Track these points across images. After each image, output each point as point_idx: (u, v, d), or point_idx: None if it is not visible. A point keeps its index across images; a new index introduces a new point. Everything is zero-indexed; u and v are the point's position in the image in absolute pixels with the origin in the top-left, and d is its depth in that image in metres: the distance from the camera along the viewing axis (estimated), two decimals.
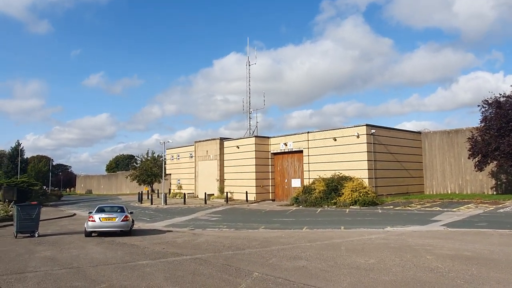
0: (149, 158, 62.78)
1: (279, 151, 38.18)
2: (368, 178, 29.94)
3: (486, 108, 26.75)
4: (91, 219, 16.13)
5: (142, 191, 42.81)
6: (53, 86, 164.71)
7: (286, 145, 37.28)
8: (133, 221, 17.53)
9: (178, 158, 49.41)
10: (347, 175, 30.19)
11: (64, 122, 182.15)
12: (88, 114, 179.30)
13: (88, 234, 16.31)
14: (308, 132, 35.29)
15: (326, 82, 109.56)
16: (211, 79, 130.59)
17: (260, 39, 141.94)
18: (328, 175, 31.14)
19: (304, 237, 14.45)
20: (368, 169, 30.10)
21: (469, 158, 28.58)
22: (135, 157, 66.19)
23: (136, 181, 62.06)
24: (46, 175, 78.74)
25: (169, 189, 58.16)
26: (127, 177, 64.65)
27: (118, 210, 17.35)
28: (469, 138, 28.30)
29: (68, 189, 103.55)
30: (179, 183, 48.28)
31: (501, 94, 26.68)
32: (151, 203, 36.45)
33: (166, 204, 35.68)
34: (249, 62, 47.60)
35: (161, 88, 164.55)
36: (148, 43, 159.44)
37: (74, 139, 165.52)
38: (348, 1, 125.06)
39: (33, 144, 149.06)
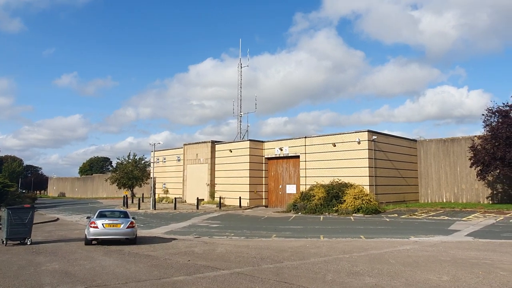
0: (130, 160, 60.25)
1: (273, 156, 37.09)
2: (369, 185, 29.30)
3: (490, 117, 26.73)
4: (93, 225, 14.37)
5: (127, 195, 40.51)
6: (23, 84, 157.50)
7: (282, 150, 36.25)
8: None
9: (164, 161, 47.37)
10: (346, 181, 29.44)
11: (34, 122, 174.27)
12: (59, 115, 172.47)
13: (89, 242, 14.55)
14: (305, 137, 34.41)
15: (300, 91, 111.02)
16: (187, 84, 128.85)
17: (236, 46, 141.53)
18: (326, 181, 30.30)
19: (332, 247, 13.35)
20: (369, 176, 29.47)
21: (471, 166, 28.49)
22: (117, 159, 63.19)
23: (116, 184, 59.32)
24: (18, 176, 74.16)
25: (151, 193, 55.76)
26: (106, 180, 61.63)
27: (122, 216, 15.67)
28: (470, 147, 28.21)
29: (39, 192, 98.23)
30: (165, 187, 46.21)
31: (504, 104, 26.78)
32: (139, 208, 34.39)
33: (155, 209, 33.77)
34: (241, 64, 46.50)
35: (136, 90, 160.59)
36: (124, 45, 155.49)
37: (43, 139, 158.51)
38: (320, 15, 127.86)
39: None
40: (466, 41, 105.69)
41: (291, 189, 35.60)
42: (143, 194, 50.34)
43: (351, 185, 28.81)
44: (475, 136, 30.52)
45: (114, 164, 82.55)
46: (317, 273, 8.95)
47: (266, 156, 37.71)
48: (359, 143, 30.14)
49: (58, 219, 27.99)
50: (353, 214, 26.37)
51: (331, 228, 20.33)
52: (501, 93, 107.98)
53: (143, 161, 60.67)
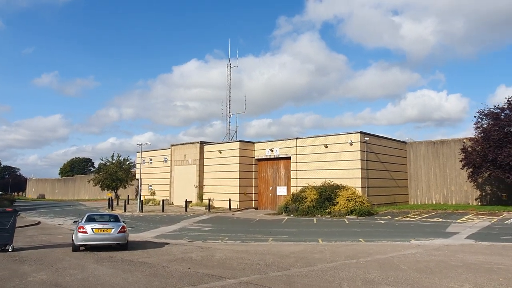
0: (114, 161, 58.65)
1: (264, 157, 36.53)
2: (361, 187, 29.05)
3: (482, 119, 26.87)
4: (81, 230, 13.44)
5: (111, 197, 39.26)
6: (0, 84, 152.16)
7: (272, 151, 35.72)
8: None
9: (151, 162, 46.19)
10: (338, 183, 29.14)
11: (12, 122, 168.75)
12: (39, 115, 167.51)
13: (77, 248, 13.63)
14: (297, 138, 33.99)
15: (284, 93, 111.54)
16: (171, 85, 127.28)
17: (221, 48, 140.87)
18: (318, 183, 29.93)
19: (334, 252, 12.85)
20: (361, 178, 29.23)
21: (462, 168, 28.60)
22: (101, 160, 61.40)
23: (99, 186, 57.64)
24: None
25: (138, 195, 54.40)
26: (89, 181, 59.84)
27: (112, 220, 14.79)
28: (462, 149, 28.31)
29: (17, 194, 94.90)
30: (151, 189, 45.02)
31: (495, 106, 26.97)
32: (125, 210, 33.26)
33: (142, 212, 32.70)
34: (230, 64, 45.84)
35: (119, 91, 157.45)
36: (106, 45, 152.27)
37: (22, 140, 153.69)
38: (304, 19, 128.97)
39: None
40: (444, 47, 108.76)
41: (281, 190, 35.10)
42: (128, 196, 48.96)
43: (344, 187, 28.51)
44: (466, 138, 30.70)
45: (96, 165, 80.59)
46: (331, 282, 8.40)
47: (256, 157, 37.12)
48: (351, 144, 29.89)
49: (39, 222, 26.65)
50: (347, 216, 26.04)
51: (327, 231, 19.89)
52: (478, 97, 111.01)
53: (127, 162, 59.21)
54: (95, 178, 57.52)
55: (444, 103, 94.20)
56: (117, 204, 40.56)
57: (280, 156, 35.12)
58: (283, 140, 35.47)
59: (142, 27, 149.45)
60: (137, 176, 49.93)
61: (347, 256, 11.99)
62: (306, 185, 30.47)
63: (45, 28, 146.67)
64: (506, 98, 27.24)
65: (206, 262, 11.28)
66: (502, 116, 26.33)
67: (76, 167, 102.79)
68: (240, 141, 36.86)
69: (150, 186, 45.36)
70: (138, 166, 49.03)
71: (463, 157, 27.94)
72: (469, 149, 27.97)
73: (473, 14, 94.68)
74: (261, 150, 36.73)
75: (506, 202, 29.82)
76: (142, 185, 37.58)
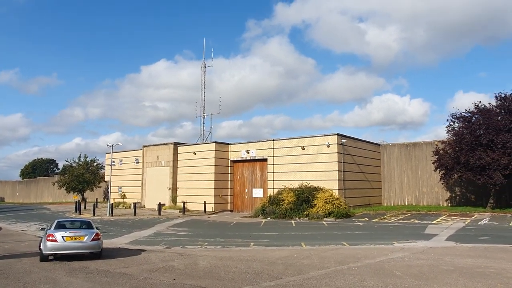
0: (81, 162, 56.11)
1: (239, 158, 35.95)
2: (338, 189, 29.11)
3: (454, 123, 27.62)
4: (51, 238, 12.36)
5: (79, 200, 37.32)
6: None
7: (248, 152, 35.21)
8: None
9: (121, 164, 44.39)
10: (315, 185, 29.05)
11: None
12: None
13: (45, 258, 12.53)
14: (273, 140, 33.67)
15: (254, 95, 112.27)
16: (139, 85, 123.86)
17: (191, 48, 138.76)
18: (294, 185, 29.72)
19: (322, 257, 12.51)
20: (338, 180, 29.30)
21: (435, 170, 29.28)
22: (66, 161, 58.61)
23: (64, 188, 54.94)
24: None
25: (108, 198, 52.21)
26: (53, 184, 56.92)
27: (85, 226, 13.78)
28: (434, 152, 28.99)
29: None
30: (121, 191, 43.27)
31: (466, 110, 27.80)
32: (93, 214, 31.65)
33: (112, 216, 31.25)
34: (204, 64, 44.88)
35: (84, 90, 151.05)
36: (71, 43, 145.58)
37: None
38: (273, 23, 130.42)
39: None
40: (407, 54, 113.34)
41: (257, 193, 34.65)
42: (96, 199, 46.91)
43: (321, 189, 28.43)
44: (438, 141, 31.52)
45: (60, 166, 76.86)
46: None
47: (231, 159, 36.47)
48: (328, 146, 29.91)
49: (0, 228, 24.77)
50: (325, 219, 25.95)
51: (308, 234, 19.61)
52: (438, 102, 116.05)
53: (95, 164, 56.88)
54: (60, 180, 54.84)
55: (407, 107, 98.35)
56: (85, 207, 38.63)
57: (256, 157, 34.66)
58: (259, 141, 35.05)
59: (108, 26, 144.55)
60: (106, 178, 47.95)
61: (336, 261, 11.67)
62: (283, 187, 30.17)
63: (4, 25, 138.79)
64: (473, 103, 28.18)
65: (191, 271, 10.59)
66: (473, 120, 27.16)
67: (39, 169, 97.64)
68: (215, 142, 36.10)
69: (120, 188, 43.59)
70: (107, 167, 47.03)
71: (436, 159, 28.60)
72: (441, 151, 28.67)
73: (432, 24, 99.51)
74: (237, 152, 36.13)
75: (475, 203, 30.84)
76: (111, 188, 35.96)
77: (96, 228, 13.93)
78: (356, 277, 9.29)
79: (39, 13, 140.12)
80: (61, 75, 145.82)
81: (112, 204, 32.75)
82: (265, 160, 33.86)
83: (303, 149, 31.33)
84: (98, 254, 13.06)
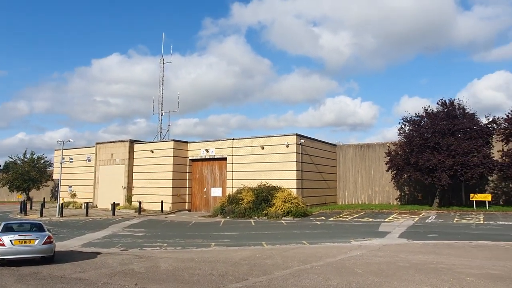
0: (26, 159, 52.59)
1: (198, 157, 35.49)
2: (297, 188, 29.68)
3: (405, 125, 29.18)
4: None
5: (25, 200, 34.90)
6: None
7: (208, 151, 34.85)
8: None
9: (71, 161, 42.10)
10: (274, 185, 29.40)
11: None
12: None
13: None
14: (233, 139, 33.60)
15: (211, 94, 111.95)
16: (90, 79, 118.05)
17: (145, 43, 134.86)
18: (254, 184, 29.89)
19: (284, 257, 12.69)
20: (296, 179, 29.86)
21: (387, 170, 30.77)
22: (9, 157, 54.51)
23: (7, 187, 51.25)
24: None
25: (55, 198, 49.31)
26: None
27: (35, 229, 12.89)
28: (387, 153, 30.46)
29: None
30: (71, 190, 41.04)
31: (416, 114, 29.49)
32: (41, 215, 29.74)
33: (62, 216, 29.55)
34: (163, 60, 43.84)
35: (30, 82, 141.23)
36: (15, 29, 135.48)
37: None
38: (229, 22, 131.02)
39: None
40: (357, 59, 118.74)
41: (216, 192, 34.42)
42: (44, 199, 44.19)
43: (280, 188, 28.82)
44: (390, 142, 33.15)
45: (2, 163, 71.43)
46: None
47: (190, 158, 35.91)
48: (287, 146, 30.37)
49: None
50: (283, 218, 26.33)
51: (268, 233, 19.81)
52: (386, 105, 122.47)
53: (42, 161, 53.56)
54: (3, 178, 51.20)
55: (358, 109, 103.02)
56: (31, 208, 36.13)
57: (215, 156, 34.40)
58: (219, 140, 34.83)
59: (57, 12, 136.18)
60: (55, 177, 45.31)
61: (299, 260, 11.89)
62: (242, 186, 30.21)
63: None
64: (423, 107, 30.05)
65: (153, 275, 10.27)
66: (422, 123, 28.87)
67: None
68: (174, 140, 35.34)
69: (71, 187, 41.34)
70: (56, 165, 44.38)
71: (388, 160, 30.09)
72: (393, 152, 30.21)
73: (380, 32, 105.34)
74: (196, 150, 35.64)
75: (422, 202, 32.86)
76: (61, 187, 33.98)
77: (49, 230, 13.10)
78: (320, 276, 9.52)
79: None
80: (2, 65, 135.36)
81: (62, 204, 31.01)
82: (225, 159, 33.71)
83: (263, 148, 31.57)
84: (50, 258, 12.29)
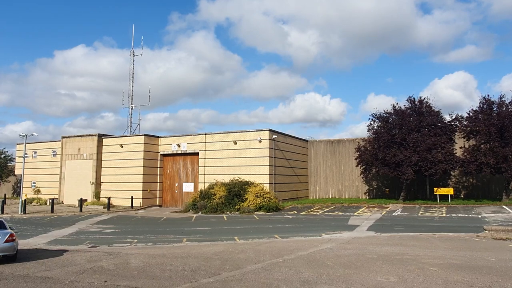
0: None
1: (170, 152, 34.98)
2: (269, 183, 29.90)
3: (374, 122, 29.97)
4: None
5: None
6: None
7: (179, 146, 34.41)
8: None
9: (35, 156, 40.39)
10: (247, 179, 29.50)
11: None
12: None
13: None
14: (205, 134, 33.33)
15: (180, 89, 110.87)
16: (52, 71, 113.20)
17: (112, 35, 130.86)
18: (226, 179, 29.89)
19: (257, 251, 12.78)
20: (269, 174, 30.07)
21: (357, 166, 31.52)
22: None
23: None
24: None
25: (17, 194, 47.22)
26: None
27: None
28: (357, 148, 31.20)
29: None
30: (35, 186, 39.41)
31: (385, 111, 30.34)
32: (2, 212, 28.45)
33: (25, 213, 28.36)
34: (133, 52, 42.73)
35: None
36: None
37: None
38: (197, 18, 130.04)
39: None
40: (324, 57, 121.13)
41: (188, 187, 34.10)
42: (5, 195, 42.21)
43: (252, 183, 28.94)
44: (360, 138, 33.98)
45: None
46: (269, 285, 8.19)
47: (161, 152, 35.34)
48: (260, 141, 30.49)
49: None
50: (256, 213, 26.48)
51: (241, 228, 19.86)
52: (354, 103, 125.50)
53: (3, 155, 51.10)
54: None
55: (327, 106, 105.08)
56: None
57: (187, 151, 34.03)
58: (191, 135, 34.45)
59: (15, 3, 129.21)
60: (17, 172, 43.38)
61: (272, 254, 11.99)
62: (214, 181, 30.12)
63: None
64: (392, 104, 30.98)
65: (123, 271, 10.06)
66: (390, 120, 29.77)
67: None
68: (145, 135, 34.62)
69: (34, 183, 39.69)
70: (18, 160, 42.42)
71: (358, 155, 30.83)
72: (362, 148, 30.98)
73: (345, 32, 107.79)
74: (168, 145, 35.10)
75: (389, 196, 33.97)
76: (24, 182, 32.53)
77: (11, 228, 12.53)
78: (292, 269, 9.65)
79: None
80: None
81: (25, 200, 29.73)
82: (197, 154, 33.42)
83: (236, 143, 31.53)
84: (12, 257, 11.75)
